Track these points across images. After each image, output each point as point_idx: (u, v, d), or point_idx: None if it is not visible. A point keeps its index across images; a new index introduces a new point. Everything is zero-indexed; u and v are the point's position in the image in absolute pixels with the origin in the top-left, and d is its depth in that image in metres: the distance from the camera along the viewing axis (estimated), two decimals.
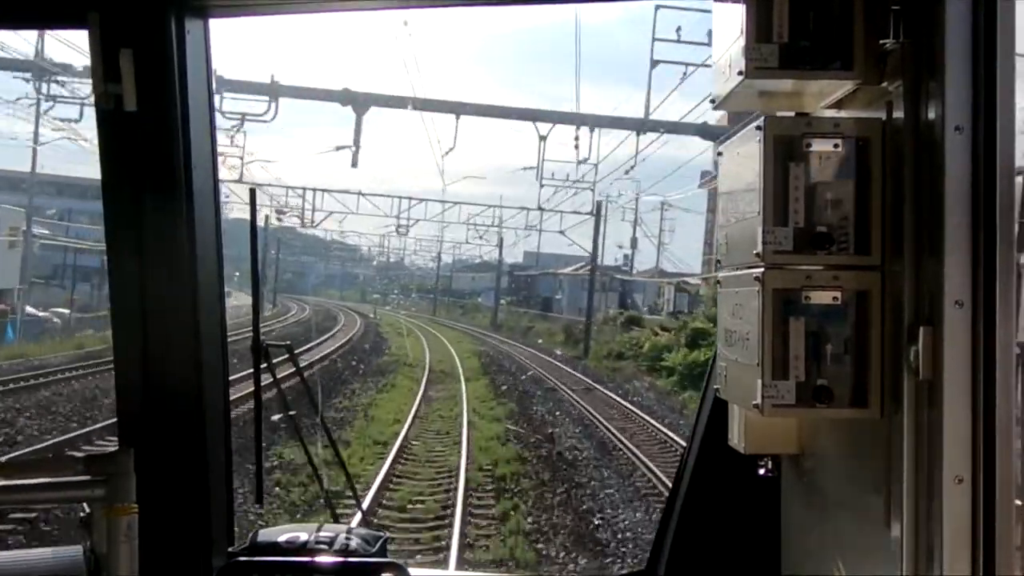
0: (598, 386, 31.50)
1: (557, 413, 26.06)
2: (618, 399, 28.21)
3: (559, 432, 22.80)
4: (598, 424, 23.93)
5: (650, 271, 64.96)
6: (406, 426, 21.94)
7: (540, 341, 53.32)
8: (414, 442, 20.60)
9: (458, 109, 30.97)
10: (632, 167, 36.23)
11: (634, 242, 63.40)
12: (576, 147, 34.30)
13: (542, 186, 46.41)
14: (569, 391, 30.32)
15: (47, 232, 47.66)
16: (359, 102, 28.94)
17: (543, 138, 33.10)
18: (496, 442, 20.87)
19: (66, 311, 43.81)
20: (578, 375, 35.15)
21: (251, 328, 3.49)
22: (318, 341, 39.73)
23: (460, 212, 59.63)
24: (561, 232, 55.07)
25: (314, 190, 50.09)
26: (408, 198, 53.86)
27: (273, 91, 29.06)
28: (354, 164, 30.05)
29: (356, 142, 29.80)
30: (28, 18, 3.50)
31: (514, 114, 33.64)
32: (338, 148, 32.31)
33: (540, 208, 51.30)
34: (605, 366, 39.49)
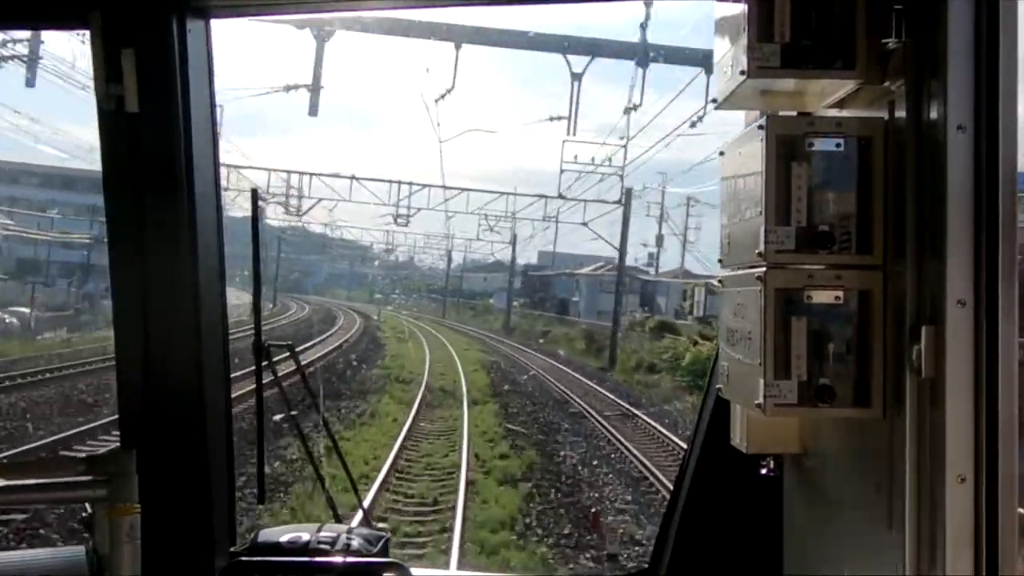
0: (636, 411, 24.34)
1: (595, 463, 18.39)
2: (670, 435, 20.41)
3: (608, 511, 14.99)
4: (658, 487, 16.11)
5: (674, 271, 58.28)
6: (371, 495, 14.14)
7: (557, 348, 45.84)
8: (378, 527, 10.65)
9: (458, 36, 21.31)
10: (702, 117, 26.55)
11: (659, 239, 54.71)
12: (638, 64, 22.98)
13: (563, 171, 38.99)
14: (601, 419, 23.54)
15: (10, 223, 44.09)
16: (319, 26, 20.87)
17: (577, 76, 23.96)
18: (508, 533, 13.39)
19: (27, 311, 39.23)
20: (607, 394, 28.21)
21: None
22: (301, 348, 29.98)
23: (469, 202, 50.22)
24: (584, 224, 46.11)
25: (300, 173, 42.72)
26: (408, 183, 44.64)
27: None
28: (312, 112, 23.75)
29: (316, 81, 22.75)
30: (29, 18, 3.50)
31: (537, 44, 24.15)
32: (288, 88, 25.03)
33: (560, 196, 42.61)
34: (637, 381, 32.95)
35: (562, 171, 39.50)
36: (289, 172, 42.21)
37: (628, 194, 42.36)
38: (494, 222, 53.67)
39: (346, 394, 25.69)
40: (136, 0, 3.07)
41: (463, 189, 46.74)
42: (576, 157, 39.68)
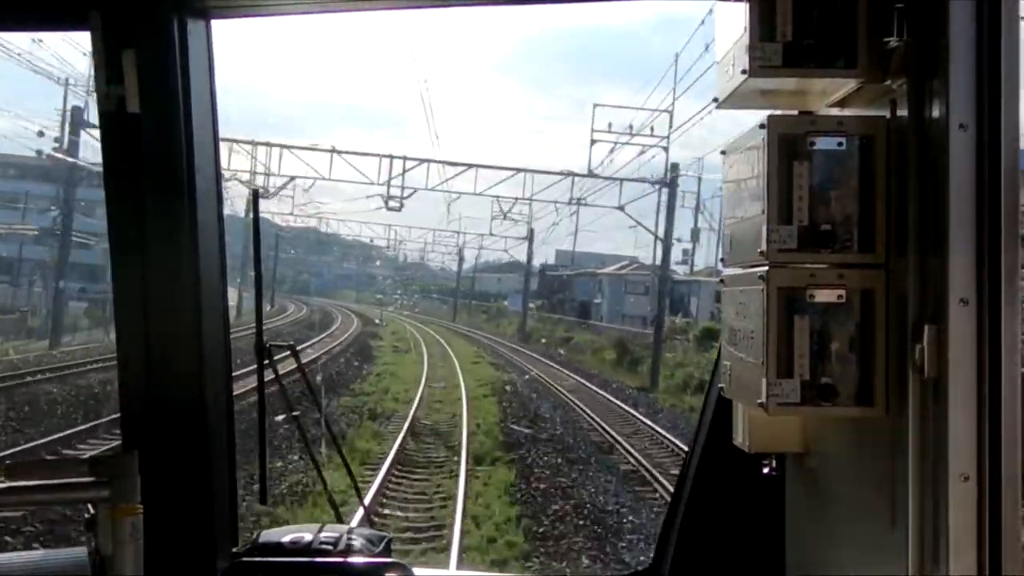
0: None
1: None
2: None
3: None
4: None
5: (707, 269, 50.75)
6: None
7: (584, 360, 39.07)
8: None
9: None
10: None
11: (695, 234, 47.11)
12: None
13: (594, 141, 32.69)
14: (670, 487, 14.63)
15: None
16: None
17: None
18: None
19: None
20: (665, 435, 20.42)
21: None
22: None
23: (477, 182, 42.31)
24: (620, 208, 37.02)
25: (268, 146, 35.14)
26: (402, 157, 35.99)
27: None
28: None
29: None
30: (29, 19, 3.50)
31: None
32: None
33: (591, 173, 34.78)
34: (691, 407, 25.00)
35: (593, 142, 32.83)
36: (254, 144, 34.96)
37: (675, 171, 33.93)
38: (509, 205, 44.67)
39: (282, 446, 15.67)
40: (136, 1, 3.07)
41: (469, 165, 37.35)
42: (610, 125, 33.10)
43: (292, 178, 38.20)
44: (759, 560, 3.11)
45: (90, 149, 35.07)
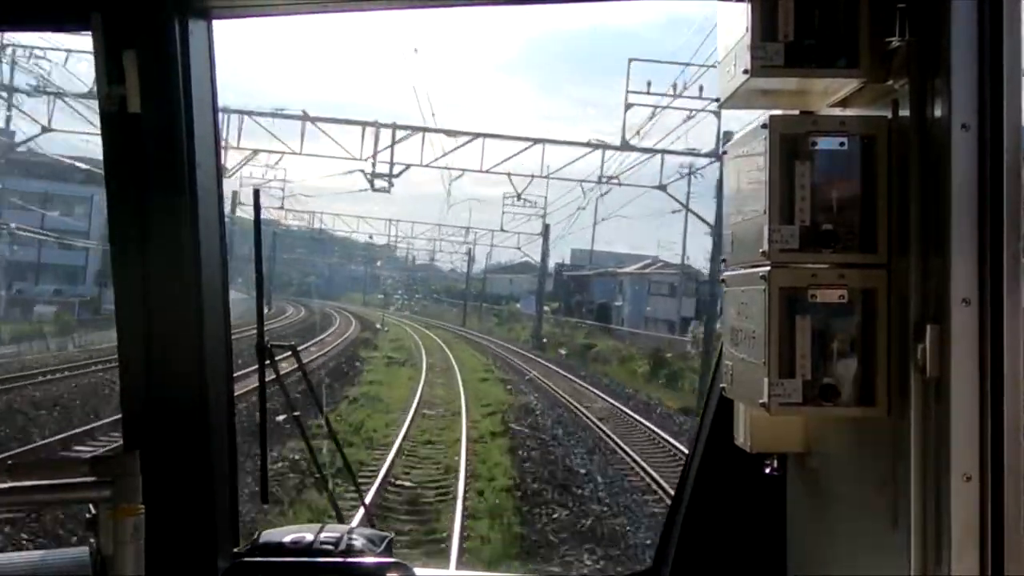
0: None
1: None
2: None
3: None
4: None
5: None
6: None
7: (611, 373, 33.91)
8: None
9: None
10: None
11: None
12: None
13: (629, 105, 26.95)
14: None
15: None
16: None
17: None
18: None
19: None
20: None
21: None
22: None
23: (484, 155, 31.89)
24: (661, 187, 31.08)
25: (224, 112, 26.98)
26: (391, 125, 29.17)
27: None
28: None
29: None
30: (31, 19, 3.51)
31: None
32: None
33: (625, 145, 28.36)
34: None
35: (628, 106, 26.81)
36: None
37: (728, 139, 29.04)
38: (524, 184, 36.64)
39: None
40: (137, 1, 3.08)
41: (476, 134, 29.86)
42: (650, 86, 27.44)
43: (255, 152, 31.26)
44: (760, 560, 3.11)
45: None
